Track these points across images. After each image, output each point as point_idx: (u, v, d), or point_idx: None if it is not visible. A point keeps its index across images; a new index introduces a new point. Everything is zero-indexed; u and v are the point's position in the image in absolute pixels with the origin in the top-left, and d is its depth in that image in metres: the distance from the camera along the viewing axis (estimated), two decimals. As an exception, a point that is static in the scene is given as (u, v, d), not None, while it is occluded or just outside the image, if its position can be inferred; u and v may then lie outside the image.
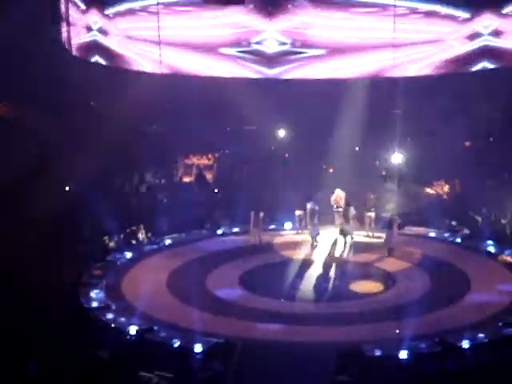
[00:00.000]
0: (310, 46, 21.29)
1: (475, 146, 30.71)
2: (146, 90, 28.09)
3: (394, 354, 18.47)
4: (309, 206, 26.18)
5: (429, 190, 30.05)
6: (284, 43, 21.26)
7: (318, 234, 25.85)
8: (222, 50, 21.72)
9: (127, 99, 28.84)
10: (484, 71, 22.68)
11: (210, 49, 21.89)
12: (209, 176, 31.93)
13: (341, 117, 29.97)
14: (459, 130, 29.86)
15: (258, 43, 21.38)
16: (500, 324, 19.82)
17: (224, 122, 32.12)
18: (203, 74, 22.65)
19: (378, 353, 18.53)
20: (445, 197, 29.67)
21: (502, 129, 29.53)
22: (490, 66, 22.18)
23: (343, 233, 25.39)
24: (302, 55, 21.34)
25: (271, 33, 21.18)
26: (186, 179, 31.76)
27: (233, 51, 21.67)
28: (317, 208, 26.00)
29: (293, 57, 21.36)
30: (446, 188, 29.92)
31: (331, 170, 30.89)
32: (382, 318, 20.65)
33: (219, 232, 27.32)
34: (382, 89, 28.42)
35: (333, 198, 26.87)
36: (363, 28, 21.20)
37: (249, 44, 21.44)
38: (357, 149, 30.92)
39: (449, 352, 18.48)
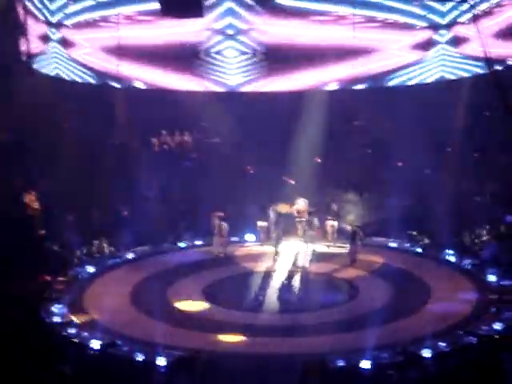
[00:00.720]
0: (272, 56, 21.28)
1: (435, 157, 30.92)
2: (106, 103, 28.04)
3: (356, 364, 18.58)
4: (272, 215, 26.25)
5: (389, 201, 30.21)
6: (244, 53, 21.25)
7: (280, 243, 25.88)
8: (181, 60, 21.65)
9: (87, 112, 28.72)
10: (443, 82, 22.96)
11: (168, 58, 21.80)
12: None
13: (303, 128, 30.11)
14: (419, 141, 30.05)
15: (217, 53, 21.36)
16: (461, 333, 20.02)
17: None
18: (160, 85, 22.55)
19: (340, 363, 18.62)
20: (406, 207, 29.83)
21: (461, 140, 29.77)
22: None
23: (306, 242, 25.42)
24: (263, 64, 21.31)
25: (231, 42, 21.17)
26: (149, 192, 31.60)
27: (191, 61, 21.61)
28: (280, 217, 26.11)
29: (254, 66, 21.36)
30: (407, 199, 30.08)
31: (293, 182, 30.99)
32: (345, 329, 20.78)
33: (182, 245, 27.30)
34: (342, 99, 28.53)
35: (295, 207, 26.91)
36: (323, 36, 21.27)
37: (208, 54, 21.40)
38: (318, 160, 31.06)
39: (410, 361, 18.62)
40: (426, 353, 18.85)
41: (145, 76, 22.54)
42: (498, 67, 21.90)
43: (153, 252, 26.57)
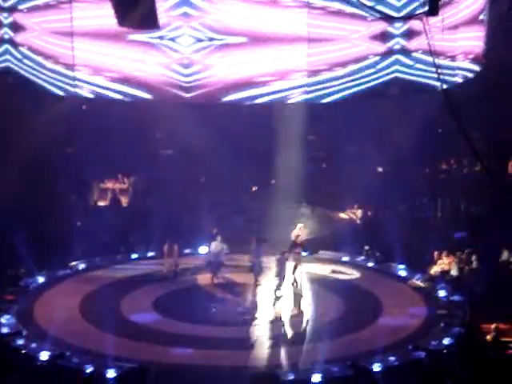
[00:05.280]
0: (228, 34, 21.03)
1: (388, 172, 31.21)
2: (59, 109, 27.70)
3: (307, 377, 18.60)
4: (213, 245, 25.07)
5: (342, 215, 30.43)
6: (200, 40, 21.02)
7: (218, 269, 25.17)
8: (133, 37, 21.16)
9: (38, 118, 28.34)
10: (397, 97, 23.01)
11: (122, 37, 21.31)
12: (124, 200, 31.72)
13: (257, 141, 30.21)
14: (373, 155, 30.30)
15: (171, 39, 21.11)
16: (410, 347, 20.15)
17: (139, 145, 31.90)
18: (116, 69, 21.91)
19: (291, 377, 18.65)
20: (358, 222, 30.07)
21: (413, 155, 30.00)
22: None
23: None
24: (220, 42, 20.96)
25: (186, 29, 20.93)
26: (101, 203, 31.49)
27: (144, 37, 21.22)
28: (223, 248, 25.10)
29: (210, 43, 20.95)
30: (359, 213, 30.33)
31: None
32: (296, 342, 20.84)
33: (134, 256, 27.16)
34: (296, 112, 28.63)
35: (293, 233, 24.71)
36: (278, 22, 21.10)
37: (161, 39, 21.10)
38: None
39: (360, 375, 18.71)
40: (376, 367, 18.95)
41: (98, 56, 21.86)
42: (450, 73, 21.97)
43: (104, 263, 26.37)
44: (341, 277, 25.63)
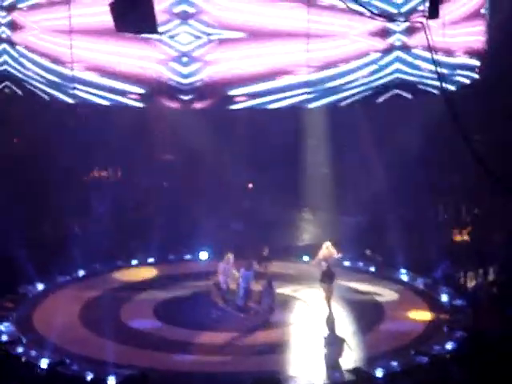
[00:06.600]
0: (226, 28, 20.69)
1: (390, 175, 30.99)
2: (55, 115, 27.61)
3: (309, 383, 18.50)
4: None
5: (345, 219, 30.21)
6: (199, 37, 20.88)
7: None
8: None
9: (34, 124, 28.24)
10: (399, 99, 22.80)
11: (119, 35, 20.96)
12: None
13: (255, 145, 30.07)
14: (375, 159, 30.10)
15: (170, 37, 20.98)
16: (412, 352, 20.00)
17: (139, 150, 31.77)
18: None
19: (293, 383, 18.50)
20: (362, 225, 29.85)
21: (416, 158, 29.82)
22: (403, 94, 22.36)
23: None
24: (217, 36, 20.81)
25: (184, 27, 20.82)
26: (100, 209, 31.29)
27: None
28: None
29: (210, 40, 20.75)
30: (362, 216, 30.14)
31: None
32: (297, 348, 20.69)
33: (134, 262, 27.02)
34: (296, 117, 28.50)
35: (321, 253, 23.50)
36: (277, 18, 20.71)
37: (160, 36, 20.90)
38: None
39: (363, 380, 18.59)
40: (378, 372, 18.81)
41: (97, 55, 21.68)
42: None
43: (103, 270, 26.21)
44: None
